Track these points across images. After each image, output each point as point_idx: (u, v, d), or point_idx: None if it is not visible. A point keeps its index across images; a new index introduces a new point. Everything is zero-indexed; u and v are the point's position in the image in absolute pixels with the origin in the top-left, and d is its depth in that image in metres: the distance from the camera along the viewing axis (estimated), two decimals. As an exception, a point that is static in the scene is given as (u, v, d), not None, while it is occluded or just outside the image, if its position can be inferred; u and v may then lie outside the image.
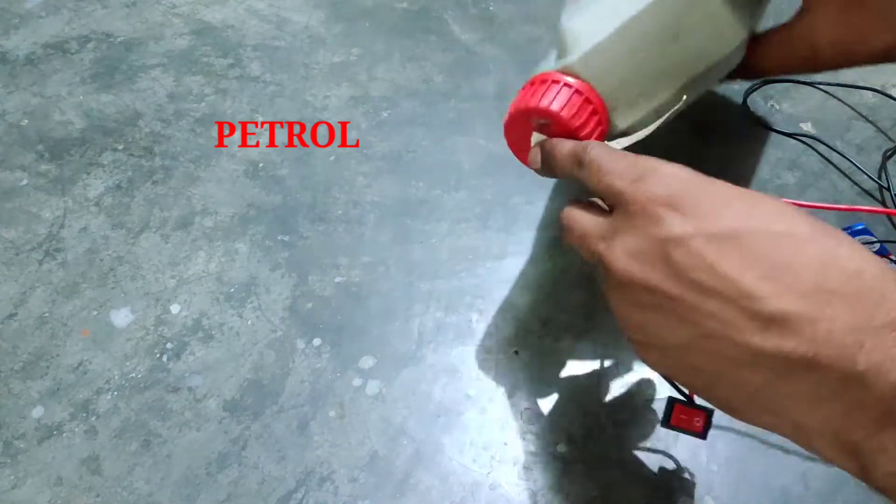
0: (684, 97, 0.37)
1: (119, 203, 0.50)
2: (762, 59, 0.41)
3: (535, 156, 0.35)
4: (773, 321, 0.23)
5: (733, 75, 0.42)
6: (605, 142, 0.35)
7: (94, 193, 0.51)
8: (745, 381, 0.25)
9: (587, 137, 0.34)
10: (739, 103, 0.56)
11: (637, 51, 0.35)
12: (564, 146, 0.33)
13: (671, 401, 0.34)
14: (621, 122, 0.36)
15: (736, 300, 0.24)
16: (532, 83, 0.35)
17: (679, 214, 0.26)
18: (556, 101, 0.34)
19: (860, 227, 0.45)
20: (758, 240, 0.24)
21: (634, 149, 0.33)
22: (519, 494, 0.37)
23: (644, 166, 0.28)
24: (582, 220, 0.31)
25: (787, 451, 0.38)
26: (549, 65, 0.36)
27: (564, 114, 0.33)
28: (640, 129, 0.35)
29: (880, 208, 0.49)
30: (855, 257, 0.24)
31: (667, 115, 0.36)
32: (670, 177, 0.27)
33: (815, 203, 0.44)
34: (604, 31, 0.35)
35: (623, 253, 0.27)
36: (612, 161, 0.29)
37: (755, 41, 0.41)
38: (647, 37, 0.35)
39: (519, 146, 0.37)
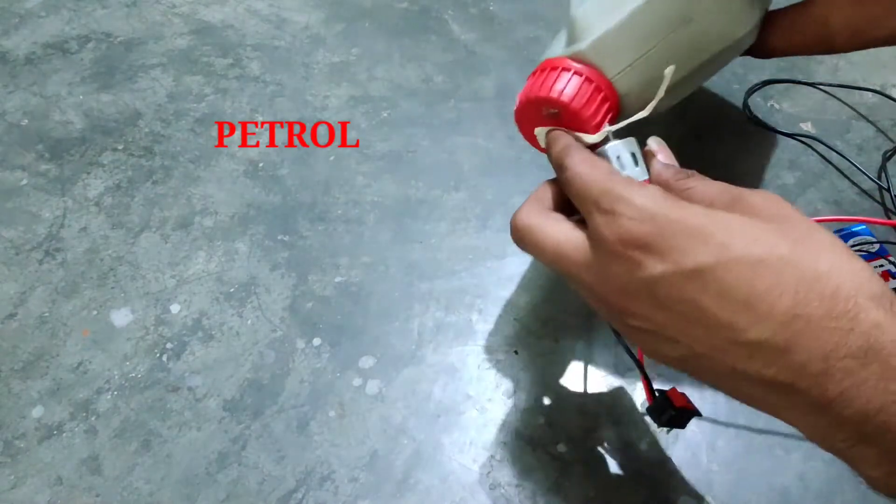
0: (695, 79, 0.37)
1: (119, 203, 0.50)
2: (775, 39, 0.40)
3: (543, 143, 0.36)
4: (754, 349, 0.25)
5: (744, 53, 0.41)
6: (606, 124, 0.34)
7: (94, 193, 0.51)
8: (741, 388, 0.26)
9: (598, 126, 0.34)
10: (739, 103, 0.56)
11: (649, 36, 0.34)
12: (553, 146, 0.33)
13: (662, 393, 0.35)
14: (633, 108, 0.35)
15: (719, 330, 0.25)
16: (542, 69, 0.35)
17: (655, 256, 0.26)
18: (565, 89, 0.33)
19: (860, 228, 0.45)
20: (735, 271, 0.25)
21: (635, 131, 0.33)
22: (519, 494, 0.37)
23: (616, 195, 0.28)
24: (555, 237, 0.30)
25: (786, 451, 0.38)
26: (558, 50, 0.36)
27: (574, 104, 0.33)
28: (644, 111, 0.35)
29: (882, 220, 0.48)
30: (833, 273, 0.24)
31: (668, 95, 0.35)
32: (641, 213, 0.27)
33: (822, 218, 0.44)
34: (615, 16, 0.34)
35: (611, 289, 0.28)
36: (588, 183, 0.29)
37: (768, 21, 0.40)
38: (659, 21, 0.34)
39: (532, 134, 0.37)
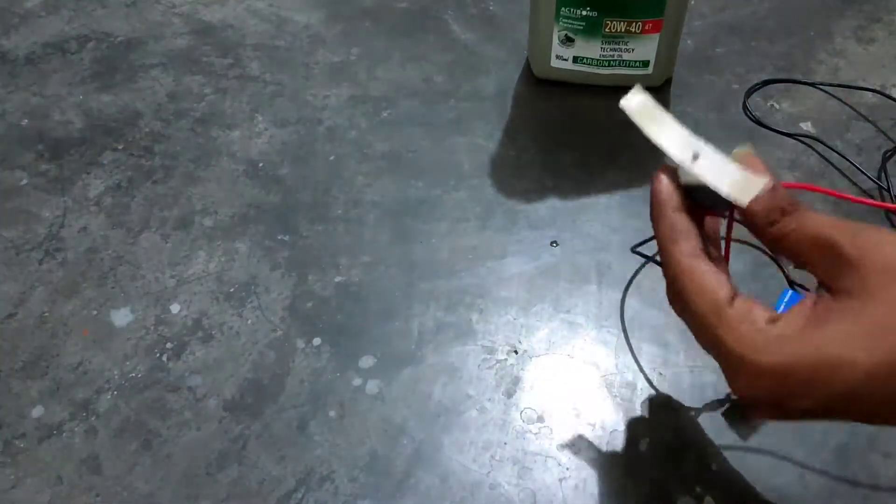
0: None
1: (119, 203, 0.50)
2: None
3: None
4: None
5: None
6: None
7: (94, 193, 0.51)
8: None
9: None
10: (739, 103, 0.56)
11: None
12: (657, 216, 0.31)
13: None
14: None
15: (871, 420, 0.27)
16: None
17: (796, 398, 0.27)
18: None
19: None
20: (873, 385, 0.25)
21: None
22: (519, 494, 0.37)
23: (739, 356, 0.27)
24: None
25: (786, 450, 0.38)
26: None
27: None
28: None
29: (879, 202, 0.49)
30: None
31: None
32: (772, 376, 0.26)
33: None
34: None
35: (759, 399, 0.28)
36: (701, 314, 0.29)
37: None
38: None
39: None
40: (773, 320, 0.27)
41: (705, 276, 0.28)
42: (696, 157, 0.30)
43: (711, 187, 0.29)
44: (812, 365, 0.26)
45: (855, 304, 0.26)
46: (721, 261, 0.32)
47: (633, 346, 0.42)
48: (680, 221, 0.30)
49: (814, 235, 0.27)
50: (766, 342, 0.26)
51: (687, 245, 0.29)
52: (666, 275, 0.30)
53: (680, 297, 0.29)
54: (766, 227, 0.29)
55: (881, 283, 0.25)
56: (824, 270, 0.27)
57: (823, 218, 0.28)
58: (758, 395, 0.27)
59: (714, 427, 0.39)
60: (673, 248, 0.29)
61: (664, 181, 0.31)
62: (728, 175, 0.29)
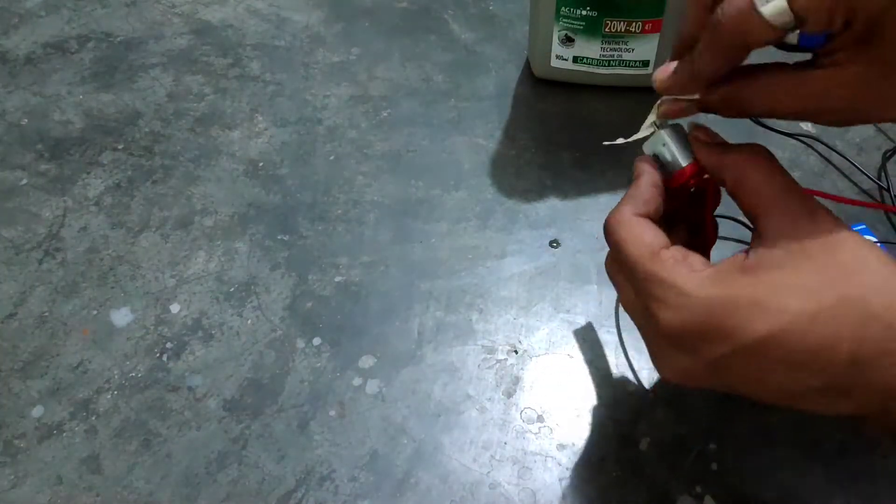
0: None
1: (119, 203, 0.50)
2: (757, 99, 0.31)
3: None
4: (819, 394, 0.26)
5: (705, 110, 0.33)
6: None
7: (94, 193, 0.51)
8: (807, 408, 0.28)
9: None
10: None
11: None
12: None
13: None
14: None
15: (784, 384, 0.27)
16: None
17: (714, 341, 0.27)
18: None
19: (860, 228, 0.45)
20: (792, 333, 0.26)
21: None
22: (519, 494, 0.37)
23: (662, 281, 0.28)
24: (625, 300, 0.32)
25: (786, 450, 0.38)
26: None
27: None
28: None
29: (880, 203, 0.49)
30: (885, 311, 0.25)
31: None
32: (691, 301, 0.27)
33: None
34: None
35: (673, 372, 0.29)
36: (633, 260, 0.29)
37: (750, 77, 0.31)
38: None
39: None
40: (706, 265, 0.28)
41: (644, 228, 0.30)
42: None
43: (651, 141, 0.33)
44: (743, 302, 0.26)
45: (790, 259, 0.27)
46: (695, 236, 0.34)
47: (634, 346, 0.42)
48: (639, 189, 0.31)
49: (779, 181, 0.28)
50: (700, 279, 0.27)
51: (634, 206, 0.31)
52: (607, 237, 0.31)
53: (616, 251, 0.31)
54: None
55: (816, 249, 0.26)
56: (771, 221, 0.28)
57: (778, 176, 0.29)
58: (684, 328, 0.27)
59: (714, 426, 0.39)
60: (620, 207, 0.31)
61: (643, 159, 0.33)
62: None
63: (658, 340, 0.30)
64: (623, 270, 0.31)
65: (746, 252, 0.28)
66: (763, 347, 0.26)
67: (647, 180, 0.32)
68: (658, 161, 0.33)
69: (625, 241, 0.30)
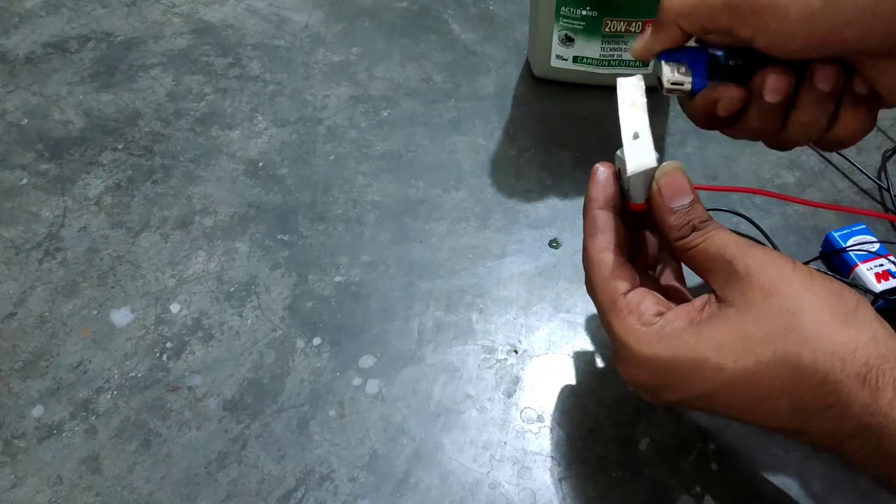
0: None
1: (119, 202, 0.50)
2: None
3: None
4: (776, 432, 0.29)
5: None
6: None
7: (94, 193, 0.51)
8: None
9: None
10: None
11: None
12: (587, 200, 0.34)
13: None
14: None
15: (741, 419, 0.30)
16: None
17: (665, 390, 0.30)
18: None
19: (860, 227, 0.45)
20: (734, 389, 0.28)
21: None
22: (519, 494, 0.37)
23: (619, 338, 0.31)
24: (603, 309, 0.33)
25: (786, 450, 0.38)
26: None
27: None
28: None
29: (881, 212, 0.49)
30: (818, 363, 0.26)
31: None
32: (647, 366, 0.30)
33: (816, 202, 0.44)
34: None
35: (635, 384, 0.32)
36: (598, 288, 0.32)
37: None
38: None
39: None
40: (659, 314, 0.30)
41: (608, 269, 0.32)
42: (636, 136, 0.33)
43: (621, 161, 0.33)
44: (683, 363, 0.28)
45: (732, 313, 0.28)
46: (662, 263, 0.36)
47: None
48: (600, 218, 0.33)
49: (714, 252, 0.30)
50: (647, 335, 0.29)
51: (602, 240, 0.32)
52: (584, 265, 0.33)
53: (588, 286, 0.33)
54: (676, 239, 0.31)
55: (757, 299, 0.28)
56: (718, 283, 0.30)
57: (727, 236, 0.30)
58: (636, 381, 0.31)
59: (714, 426, 0.39)
60: (588, 242, 0.33)
61: (598, 179, 0.34)
62: (640, 159, 0.32)
63: (623, 364, 0.32)
64: (595, 305, 0.33)
65: (703, 304, 0.30)
66: (710, 398, 0.29)
67: (600, 202, 0.34)
68: (620, 176, 0.34)
69: (593, 283, 0.32)
